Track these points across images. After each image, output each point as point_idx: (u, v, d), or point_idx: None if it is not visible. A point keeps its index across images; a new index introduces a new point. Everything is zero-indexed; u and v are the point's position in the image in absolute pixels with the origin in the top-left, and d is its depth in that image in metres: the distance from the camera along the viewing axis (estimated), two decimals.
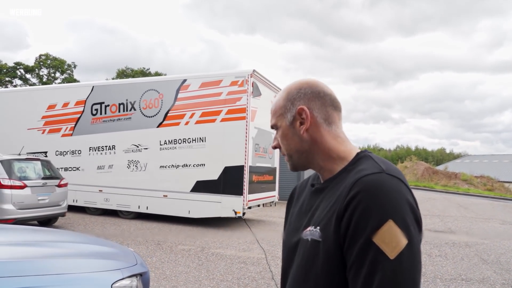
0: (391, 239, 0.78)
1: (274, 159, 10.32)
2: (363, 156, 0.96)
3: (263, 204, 9.85)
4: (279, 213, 11.97)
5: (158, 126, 9.35)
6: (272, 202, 10.31)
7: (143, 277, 2.78)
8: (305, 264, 0.91)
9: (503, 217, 13.42)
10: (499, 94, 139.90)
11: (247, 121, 8.47)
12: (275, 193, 10.42)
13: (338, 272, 0.84)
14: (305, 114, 0.97)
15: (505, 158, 46.11)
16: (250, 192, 8.58)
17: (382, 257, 0.77)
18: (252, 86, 8.60)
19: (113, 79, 34.34)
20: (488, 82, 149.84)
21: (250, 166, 8.57)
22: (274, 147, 1.08)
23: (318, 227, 0.90)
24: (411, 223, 0.81)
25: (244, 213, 8.49)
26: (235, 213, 8.40)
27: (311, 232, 0.91)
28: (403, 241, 0.78)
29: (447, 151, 77.33)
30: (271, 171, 10.12)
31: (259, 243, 7.23)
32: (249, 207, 8.71)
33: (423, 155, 64.23)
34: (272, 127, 1.07)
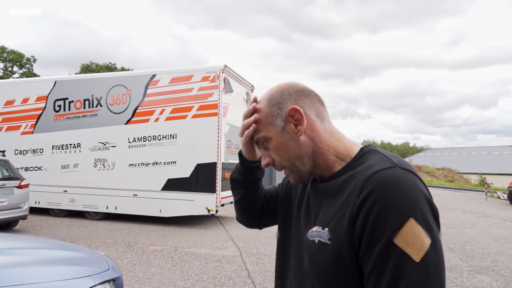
0: (414, 239, 0.70)
1: None
2: (368, 150, 0.88)
3: None
4: None
5: (126, 123, 9.01)
6: None
7: (116, 282, 2.63)
8: (314, 267, 0.83)
9: (464, 207, 14.11)
10: (457, 90, 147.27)
11: (219, 117, 8.33)
12: None
13: (352, 277, 0.76)
14: (299, 113, 0.88)
15: (464, 151, 48.61)
16: (223, 189, 8.47)
17: (407, 261, 0.69)
18: (224, 81, 8.47)
19: (76, 74, 32.93)
20: (447, 79, 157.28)
21: (222, 163, 8.45)
22: (267, 165, 0.94)
23: (327, 229, 0.82)
24: (431, 219, 0.74)
25: (217, 211, 8.38)
26: (208, 211, 8.27)
27: (318, 233, 0.83)
28: (427, 241, 0.71)
29: (411, 145, 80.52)
30: None
31: (233, 241, 7.15)
32: (222, 205, 8.60)
33: (388, 149, 66.51)
34: (258, 141, 0.94)
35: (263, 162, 0.95)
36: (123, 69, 36.49)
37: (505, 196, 17.20)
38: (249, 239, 7.34)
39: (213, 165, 8.30)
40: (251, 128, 0.93)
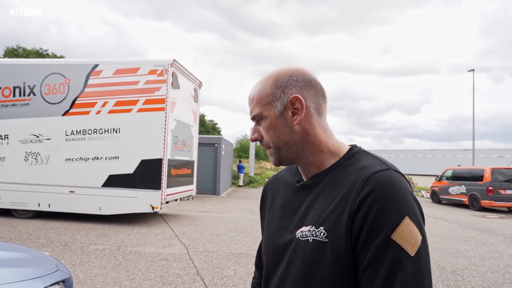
0: (410, 236, 0.76)
1: (193, 152, 10.10)
2: (358, 151, 0.92)
3: (181, 198, 9.60)
4: (196, 207, 11.80)
5: (63, 115, 8.40)
6: (190, 196, 10.11)
7: (66, 283, 2.48)
8: (307, 266, 0.84)
9: None
10: (387, 96, 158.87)
11: (166, 113, 8.11)
12: (193, 186, 10.23)
13: (348, 273, 0.80)
14: (300, 103, 0.89)
15: (392, 153, 52.49)
16: (168, 186, 8.27)
17: (403, 255, 0.75)
18: (172, 76, 8.26)
19: None
20: (378, 84, 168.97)
21: (168, 159, 8.24)
22: (254, 140, 0.97)
23: (322, 227, 0.83)
24: (420, 218, 0.80)
25: (160, 208, 8.15)
26: (152, 208, 8.02)
27: (312, 232, 0.84)
28: (419, 237, 0.77)
29: None
30: (190, 164, 9.89)
31: (179, 238, 7.02)
32: (167, 202, 8.40)
33: None
34: (254, 117, 0.94)
35: (252, 136, 0.97)
36: (55, 56, 33.83)
37: (428, 195, 18.96)
38: (195, 236, 7.27)
39: (158, 161, 8.06)
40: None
